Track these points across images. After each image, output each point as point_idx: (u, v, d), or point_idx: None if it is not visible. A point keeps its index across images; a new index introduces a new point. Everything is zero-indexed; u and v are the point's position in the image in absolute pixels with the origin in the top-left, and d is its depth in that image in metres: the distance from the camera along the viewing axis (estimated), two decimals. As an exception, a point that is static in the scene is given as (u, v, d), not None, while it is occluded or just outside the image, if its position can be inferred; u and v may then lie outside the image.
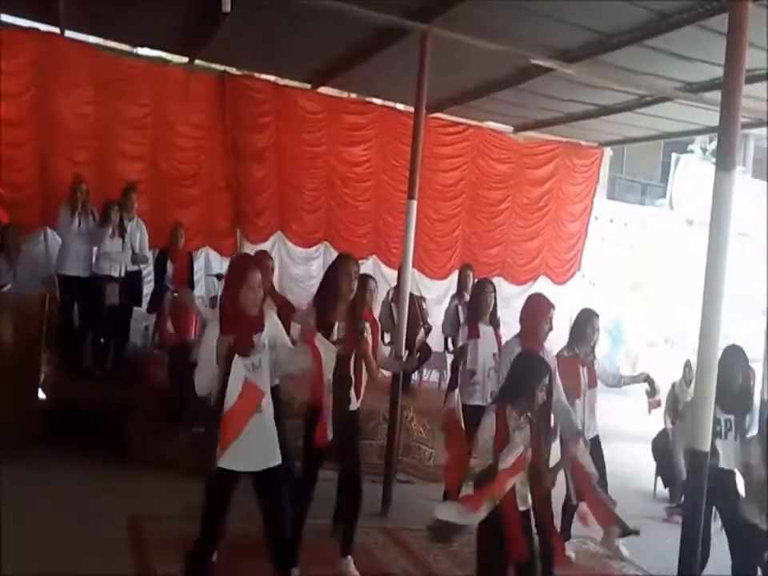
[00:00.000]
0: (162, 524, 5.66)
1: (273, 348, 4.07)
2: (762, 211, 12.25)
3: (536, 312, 5.26)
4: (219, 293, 5.75)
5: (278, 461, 4.03)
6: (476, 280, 8.06)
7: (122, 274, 8.59)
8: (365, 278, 5.88)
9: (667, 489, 8.61)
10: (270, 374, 4.10)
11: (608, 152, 12.60)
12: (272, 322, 4.10)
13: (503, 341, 6.39)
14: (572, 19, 6.79)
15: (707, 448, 3.57)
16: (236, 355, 3.84)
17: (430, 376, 10.31)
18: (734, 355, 5.36)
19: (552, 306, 5.35)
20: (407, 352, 7.25)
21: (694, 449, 3.61)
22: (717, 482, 4.43)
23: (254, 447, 3.93)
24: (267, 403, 4.00)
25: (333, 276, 5.02)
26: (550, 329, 5.28)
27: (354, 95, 11.38)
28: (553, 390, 4.23)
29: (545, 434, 4.09)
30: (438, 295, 11.11)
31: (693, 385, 8.20)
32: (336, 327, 4.92)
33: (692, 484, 3.75)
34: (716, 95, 7.81)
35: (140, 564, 5.04)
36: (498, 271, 11.88)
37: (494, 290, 6.67)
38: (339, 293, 4.94)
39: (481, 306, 6.53)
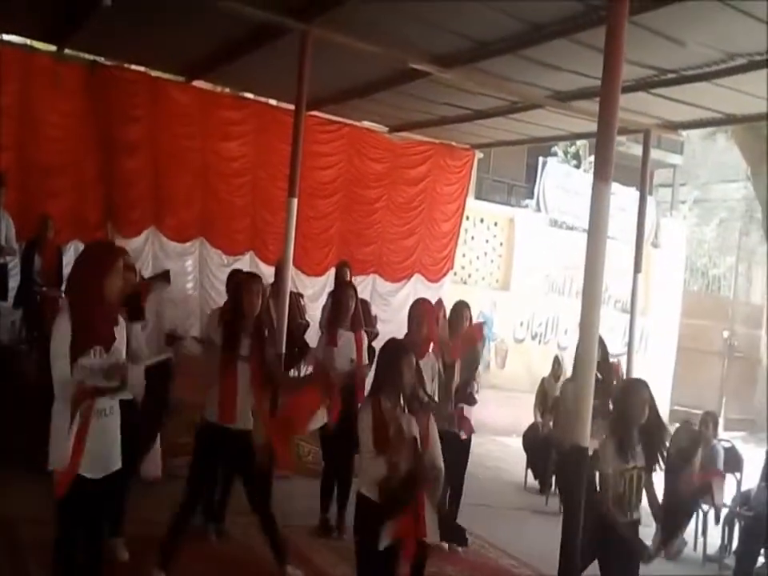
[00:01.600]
0: (37, 527, 5.45)
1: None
2: (622, 214, 12.99)
3: (418, 316, 5.38)
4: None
5: (118, 466, 3.92)
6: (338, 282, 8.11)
7: (-14, 268, 8.21)
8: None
9: (537, 480, 8.99)
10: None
11: (477, 153, 12.94)
12: (122, 328, 3.98)
13: (364, 344, 6.50)
14: (450, 26, 6.95)
15: (587, 443, 3.74)
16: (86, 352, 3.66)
17: (307, 372, 10.31)
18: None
19: (432, 310, 5.48)
20: None
21: (574, 444, 3.77)
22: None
23: (96, 453, 3.76)
24: (116, 405, 3.88)
25: (236, 296, 5.17)
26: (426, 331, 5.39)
27: (227, 90, 11.24)
28: (422, 373, 4.32)
29: (427, 417, 4.16)
30: (314, 292, 11.17)
31: (561, 380, 8.71)
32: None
33: (571, 478, 3.93)
34: (583, 104, 8.31)
35: (15, 567, 4.92)
36: (374, 269, 12.04)
37: (355, 294, 6.67)
38: (244, 311, 5.09)
39: (339, 311, 6.52)
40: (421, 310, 5.46)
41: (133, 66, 10.14)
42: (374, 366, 4.44)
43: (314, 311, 9.64)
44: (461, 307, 6.45)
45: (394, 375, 4.10)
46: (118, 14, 7.47)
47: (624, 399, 4.59)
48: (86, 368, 3.66)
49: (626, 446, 4.45)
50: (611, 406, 4.88)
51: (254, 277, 5.45)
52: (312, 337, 9.27)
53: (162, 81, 10.32)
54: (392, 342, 4.46)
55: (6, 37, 9.71)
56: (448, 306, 6.50)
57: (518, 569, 6.39)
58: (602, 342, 5.80)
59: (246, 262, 10.94)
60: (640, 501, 4.55)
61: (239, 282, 5.31)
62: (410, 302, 11.99)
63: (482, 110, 9.83)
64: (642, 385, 4.62)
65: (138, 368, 4.58)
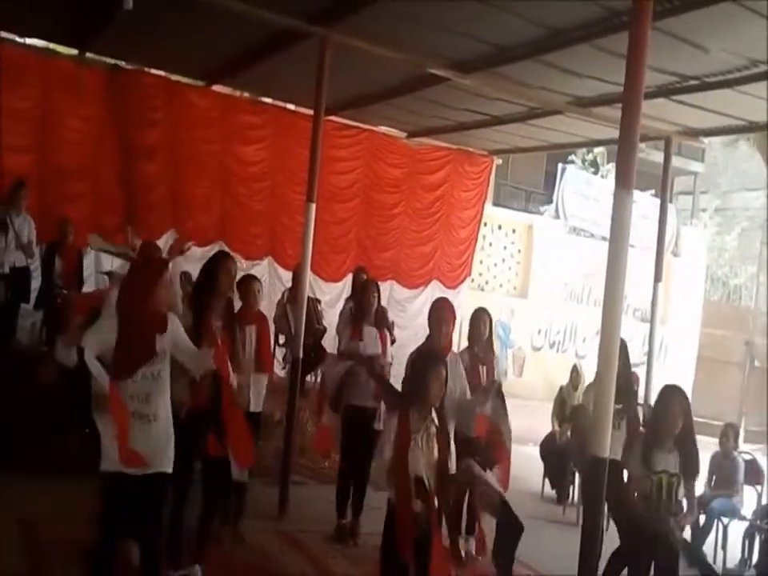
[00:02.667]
0: (56, 527, 5.48)
1: (175, 353, 4.02)
2: (642, 221, 12.88)
3: (436, 315, 5.34)
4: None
5: (164, 468, 3.96)
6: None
7: (7, 270, 8.24)
8: (251, 279, 5.90)
9: (554, 490, 8.89)
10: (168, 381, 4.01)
11: (495, 160, 12.88)
12: (174, 324, 4.03)
13: (388, 342, 6.46)
14: (470, 31, 6.92)
15: (606, 454, 3.68)
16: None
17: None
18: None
19: (451, 311, 5.44)
20: None
21: (594, 455, 3.71)
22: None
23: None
24: (162, 411, 3.95)
25: (211, 273, 4.99)
26: (449, 331, 5.35)
27: (246, 94, 11.25)
28: (448, 383, 4.31)
29: (446, 433, 4.15)
30: (331, 297, 11.14)
31: (580, 388, 8.61)
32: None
33: (591, 489, 3.87)
34: (604, 110, 8.23)
35: (35, 567, 4.92)
36: (392, 275, 12.01)
37: (378, 291, 6.61)
38: (217, 290, 4.93)
39: (364, 307, 6.48)
40: (439, 308, 5.41)
41: (153, 71, 10.18)
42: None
43: (332, 317, 9.61)
44: (481, 313, 6.42)
45: (423, 388, 4.07)
46: (139, 19, 7.48)
47: (658, 404, 4.60)
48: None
49: (654, 451, 4.44)
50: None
51: (230, 257, 5.24)
52: (329, 342, 9.30)
53: (181, 85, 10.37)
54: (421, 353, 4.40)
55: (28, 41, 9.80)
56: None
57: (535, 579, 6.32)
58: (624, 348, 5.83)
59: (264, 267, 10.96)
60: (672, 508, 4.49)
61: (215, 259, 5.11)
62: (427, 309, 12.16)
63: (501, 116, 9.78)
64: (676, 393, 4.59)
65: None
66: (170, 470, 3.99)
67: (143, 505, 3.91)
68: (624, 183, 3.74)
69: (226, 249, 10.50)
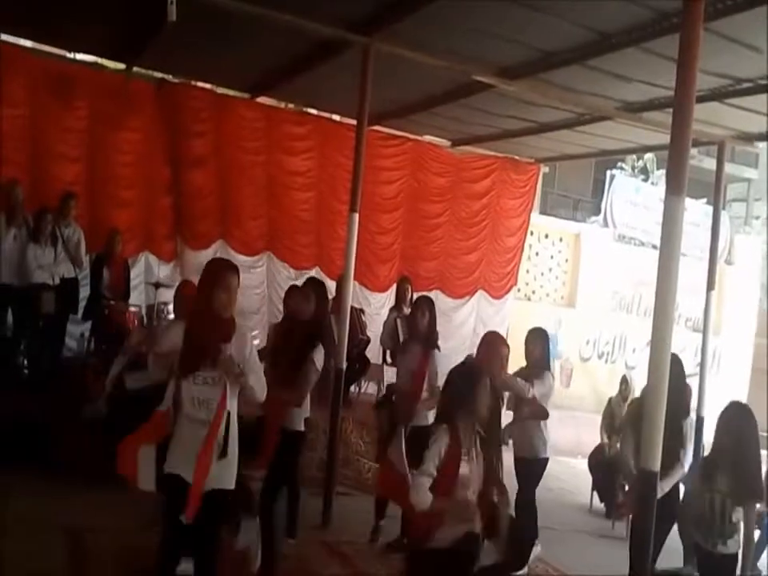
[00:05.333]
0: (103, 537, 5.52)
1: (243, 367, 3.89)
2: (694, 230, 12.62)
3: (488, 349, 5.34)
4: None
5: (224, 485, 3.86)
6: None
7: (57, 281, 8.36)
8: None
9: (603, 503, 8.72)
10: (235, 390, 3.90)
11: (542, 167, 12.73)
12: (244, 337, 3.95)
13: (431, 360, 6.36)
14: (515, 37, 6.85)
15: (657, 468, 3.58)
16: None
17: (367, 388, 10.26)
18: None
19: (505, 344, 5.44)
20: None
21: (644, 468, 3.61)
22: None
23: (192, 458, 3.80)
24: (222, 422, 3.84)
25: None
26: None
27: (290, 106, 11.31)
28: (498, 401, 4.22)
29: (497, 451, 4.04)
30: (377, 307, 11.10)
31: (629, 400, 8.42)
32: None
33: (641, 503, 3.75)
34: (654, 115, 8.08)
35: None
36: (437, 285, 11.89)
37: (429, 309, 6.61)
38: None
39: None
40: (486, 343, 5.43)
41: (199, 83, 10.29)
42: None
43: (377, 327, 9.57)
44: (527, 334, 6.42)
45: (469, 400, 3.80)
46: (184, 33, 7.55)
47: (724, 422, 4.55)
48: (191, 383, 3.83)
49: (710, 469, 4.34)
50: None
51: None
52: (373, 353, 9.26)
53: (227, 97, 10.47)
54: (467, 365, 4.28)
55: (78, 56, 10.00)
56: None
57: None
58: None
59: (313, 277, 10.97)
60: (726, 530, 4.36)
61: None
62: (473, 319, 12.08)
63: (548, 123, 9.66)
64: (732, 411, 4.51)
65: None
66: (225, 486, 3.88)
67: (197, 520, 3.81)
68: (675, 190, 3.63)
69: (275, 258, 10.69)
